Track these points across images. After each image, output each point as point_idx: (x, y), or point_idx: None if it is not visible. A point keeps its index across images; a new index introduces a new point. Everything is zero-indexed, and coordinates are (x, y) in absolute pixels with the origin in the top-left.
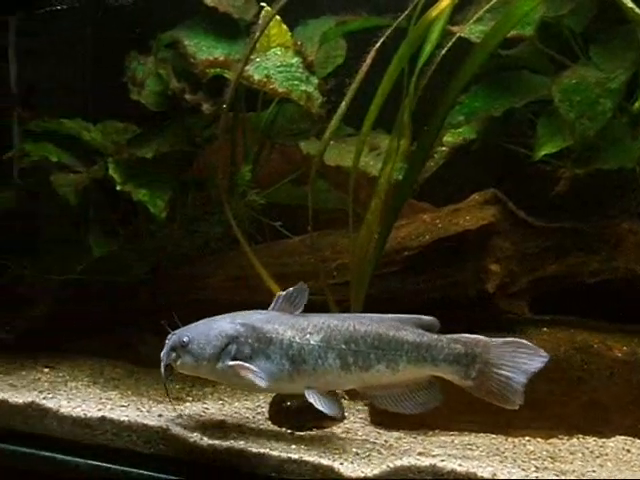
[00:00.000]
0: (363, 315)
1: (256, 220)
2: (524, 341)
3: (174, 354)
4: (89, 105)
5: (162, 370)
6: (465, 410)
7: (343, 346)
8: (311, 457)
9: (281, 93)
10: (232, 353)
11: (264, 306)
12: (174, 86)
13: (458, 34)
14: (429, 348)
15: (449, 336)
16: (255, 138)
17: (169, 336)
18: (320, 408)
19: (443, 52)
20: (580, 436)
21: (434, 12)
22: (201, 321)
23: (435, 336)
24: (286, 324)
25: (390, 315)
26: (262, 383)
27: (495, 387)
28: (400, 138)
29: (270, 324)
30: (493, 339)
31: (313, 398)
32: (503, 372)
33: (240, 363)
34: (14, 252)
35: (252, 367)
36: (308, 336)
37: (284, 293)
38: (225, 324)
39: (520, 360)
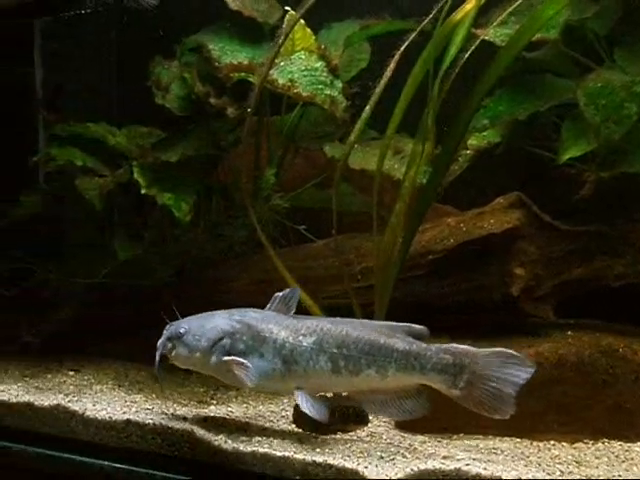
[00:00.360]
0: (355, 320)
1: (280, 224)
2: (512, 352)
3: (170, 344)
4: (114, 109)
5: (156, 359)
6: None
7: (335, 350)
8: (335, 460)
9: (305, 97)
10: (226, 348)
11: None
12: (199, 90)
13: (482, 37)
14: (418, 356)
15: (438, 346)
16: (279, 142)
17: (167, 327)
18: (306, 411)
19: (467, 55)
20: (605, 440)
21: (459, 15)
22: (199, 315)
23: (424, 345)
24: (281, 324)
25: (382, 322)
26: (249, 382)
27: (483, 398)
28: (424, 141)
29: (265, 323)
30: (481, 350)
31: (301, 399)
32: (491, 383)
33: (234, 358)
34: (40, 256)
35: (246, 362)
36: (301, 338)
37: (280, 294)
38: (221, 319)
39: (508, 371)
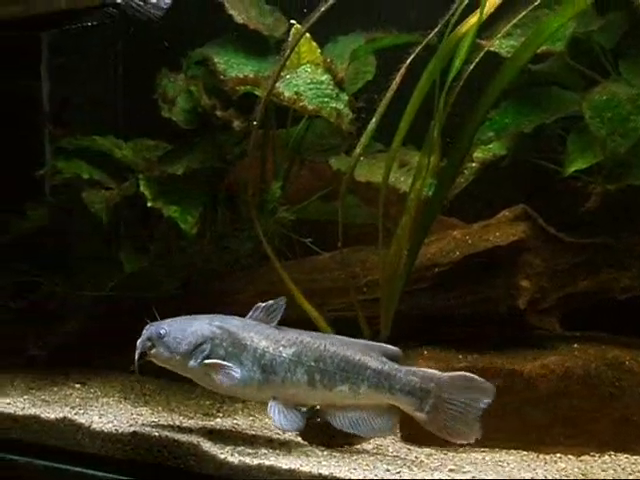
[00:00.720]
0: (334, 336)
1: (286, 236)
2: (473, 376)
3: (149, 343)
4: (120, 122)
5: (136, 358)
6: (496, 426)
7: (312, 363)
8: (342, 473)
9: (311, 110)
10: (205, 352)
11: (295, 323)
12: (205, 103)
13: (486, 48)
14: (388, 377)
15: (407, 368)
16: (285, 155)
17: (147, 326)
18: (277, 423)
19: (471, 67)
20: (612, 453)
21: (463, 28)
22: (181, 317)
23: (396, 366)
24: (262, 334)
25: (359, 340)
26: (233, 381)
27: (448, 422)
28: (430, 154)
29: (246, 331)
30: (446, 374)
31: (274, 411)
32: (455, 408)
33: (216, 361)
34: (46, 269)
35: (227, 364)
36: (281, 349)
37: (263, 304)
38: (203, 324)
39: (471, 396)
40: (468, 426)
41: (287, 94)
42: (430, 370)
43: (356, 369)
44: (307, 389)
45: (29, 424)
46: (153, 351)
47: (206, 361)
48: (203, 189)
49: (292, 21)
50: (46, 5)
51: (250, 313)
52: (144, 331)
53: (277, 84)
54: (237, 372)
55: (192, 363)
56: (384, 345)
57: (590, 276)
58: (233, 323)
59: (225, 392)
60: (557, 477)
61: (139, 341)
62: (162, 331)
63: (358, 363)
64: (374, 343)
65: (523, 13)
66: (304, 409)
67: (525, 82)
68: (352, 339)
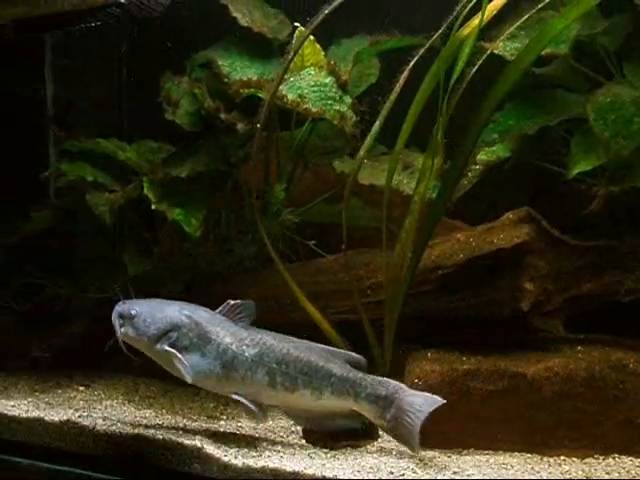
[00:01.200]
0: (299, 340)
1: (290, 239)
2: (436, 398)
3: (120, 321)
4: (124, 124)
5: (117, 332)
6: (500, 429)
7: (274, 365)
8: (345, 476)
9: (315, 113)
10: (172, 339)
11: (299, 326)
12: (209, 106)
13: (490, 51)
14: (354, 384)
15: (373, 377)
16: (289, 157)
17: (119, 303)
18: (247, 407)
19: (474, 69)
20: (616, 455)
21: (466, 30)
22: (152, 300)
23: (361, 374)
24: (228, 330)
25: (324, 346)
26: (187, 378)
27: (403, 433)
28: (434, 156)
29: (213, 325)
30: (410, 390)
31: (239, 398)
32: (409, 420)
33: (174, 352)
34: (50, 271)
35: (184, 361)
36: (244, 347)
37: (232, 302)
38: (173, 311)
39: (420, 409)
40: (413, 439)
41: (291, 97)
42: (395, 382)
43: (320, 375)
44: (268, 390)
45: (33, 426)
46: (122, 329)
47: (168, 349)
48: (207, 192)
49: (296, 24)
50: (50, 6)
51: (220, 308)
52: (116, 307)
53: (281, 87)
54: (189, 374)
55: (158, 347)
56: (348, 352)
57: (594, 278)
58: (202, 315)
59: (186, 380)
60: (561, 479)
61: (113, 317)
62: (133, 312)
63: (322, 369)
64: (339, 350)
65: (527, 15)
66: None
67: (529, 84)
68: (318, 344)
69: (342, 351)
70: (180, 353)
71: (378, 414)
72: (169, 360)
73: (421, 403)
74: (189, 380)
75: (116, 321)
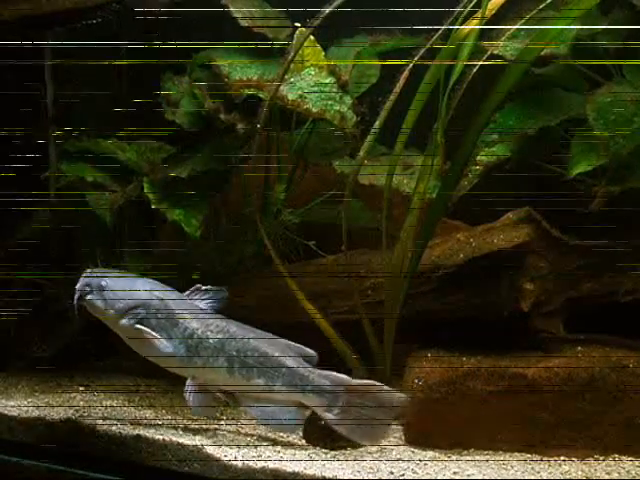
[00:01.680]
0: (259, 331)
1: (290, 239)
2: (383, 385)
3: (88, 289)
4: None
5: (75, 301)
6: (500, 429)
7: (234, 353)
8: (345, 476)
9: (315, 113)
10: (139, 317)
11: (298, 326)
12: (209, 106)
13: (490, 51)
14: (302, 377)
15: (320, 371)
16: (289, 157)
17: (88, 270)
18: (189, 402)
19: (475, 69)
20: (616, 456)
21: (466, 29)
22: (123, 273)
23: (310, 368)
24: (195, 315)
25: (280, 339)
26: (159, 352)
27: (355, 426)
28: (434, 156)
29: (182, 309)
30: (356, 380)
31: (190, 390)
32: (363, 412)
33: (148, 330)
34: (51, 271)
35: (156, 335)
36: (209, 333)
37: (203, 288)
38: (144, 288)
39: (380, 402)
40: (373, 431)
41: (291, 97)
42: (341, 375)
43: (273, 366)
44: (226, 376)
45: (33, 426)
46: (89, 297)
47: (138, 326)
48: (207, 192)
49: (296, 24)
50: (52, 4)
51: (188, 292)
52: (84, 274)
53: (281, 87)
54: (168, 347)
55: (124, 322)
56: (303, 347)
57: (594, 279)
58: (172, 297)
59: (147, 358)
60: (561, 479)
61: (78, 284)
62: (103, 283)
63: (276, 360)
64: (295, 344)
65: (528, 16)
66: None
67: (529, 84)
68: (275, 337)
69: (297, 345)
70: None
71: (325, 407)
72: (134, 336)
73: (371, 400)
74: (163, 351)
75: (81, 289)
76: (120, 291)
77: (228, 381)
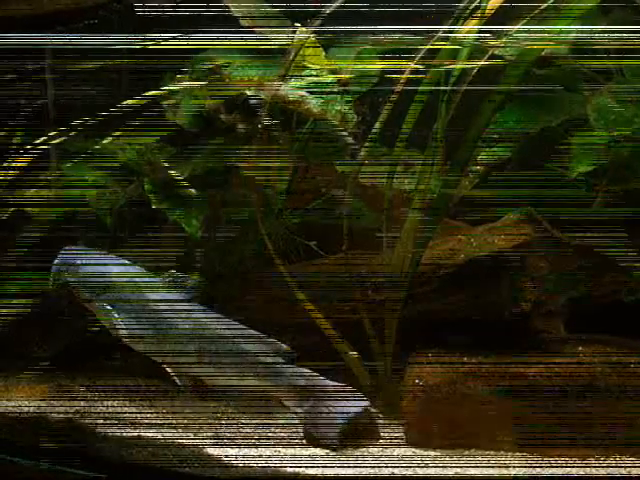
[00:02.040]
0: (235, 323)
1: (291, 239)
2: (351, 388)
3: (64, 268)
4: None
5: (51, 278)
6: (500, 429)
7: (204, 341)
8: (345, 476)
9: (316, 113)
10: (112, 298)
11: (299, 325)
12: (209, 106)
13: (491, 51)
14: (276, 372)
15: (294, 367)
16: (290, 157)
17: (65, 248)
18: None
19: (475, 70)
20: (617, 456)
21: (464, 30)
22: (99, 253)
23: (283, 363)
24: (165, 300)
25: (257, 333)
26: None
27: (319, 424)
28: (434, 156)
29: (155, 294)
30: (328, 381)
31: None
32: (326, 412)
33: (111, 310)
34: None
35: (119, 322)
36: (180, 320)
37: (177, 274)
38: (118, 270)
39: (343, 403)
40: (332, 431)
41: (292, 97)
42: (314, 373)
43: (245, 357)
44: (195, 362)
45: (34, 426)
46: (66, 274)
47: (106, 306)
48: (208, 192)
49: (297, 24)
50: (53, 3)
51: (164, 277)
52: (60, 253)
53: (282, 87)
54: (124, 332)
55: (97, 304)
56: (278, 342)
57: (594, 279)
58: (146, 281)
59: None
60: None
61: (55, 262)
62: (78, 261)
63: (249, 353)
64: (270, 339)
65: (529, 16)
66: None
67: (530, 84)
68: (251, 330)
69: (272, 340)
70: (119, 313)
71: (296, 402)
72: (104, 315)
73: (340, 401)
74: (123, 336)
75: (56, 267)
76: (92, 271)
77: (198, 369)
